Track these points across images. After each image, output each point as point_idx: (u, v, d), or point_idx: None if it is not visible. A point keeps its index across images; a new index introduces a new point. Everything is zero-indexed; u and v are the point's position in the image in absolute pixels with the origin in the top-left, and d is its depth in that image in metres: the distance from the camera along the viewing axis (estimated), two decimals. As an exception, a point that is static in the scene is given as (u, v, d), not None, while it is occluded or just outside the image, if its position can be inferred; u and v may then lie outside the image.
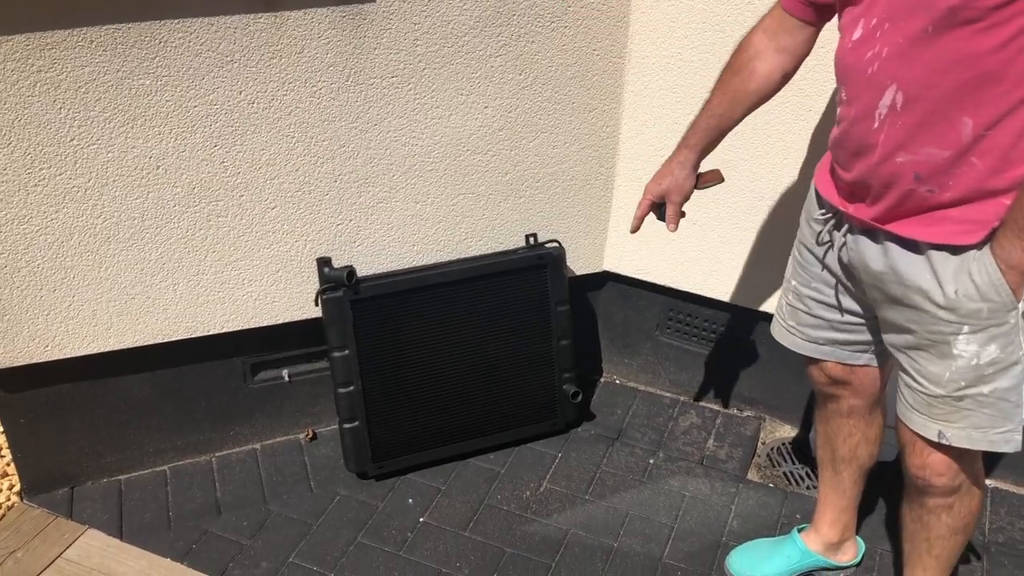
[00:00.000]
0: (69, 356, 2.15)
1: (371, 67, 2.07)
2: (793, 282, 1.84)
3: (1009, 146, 1.36)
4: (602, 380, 2.78)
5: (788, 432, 2.58)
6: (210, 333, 2.25)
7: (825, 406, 1.96)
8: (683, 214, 1.85)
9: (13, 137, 1.87)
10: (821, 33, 1.66)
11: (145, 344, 2.21)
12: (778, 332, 1.92)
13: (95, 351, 2.17)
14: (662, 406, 2.67)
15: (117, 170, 1.98)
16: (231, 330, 2.27)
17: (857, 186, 1.54)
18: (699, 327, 2.59)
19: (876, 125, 1.45)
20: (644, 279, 2.55)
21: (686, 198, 1.83)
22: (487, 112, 2.23)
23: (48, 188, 1.95)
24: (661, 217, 1.86)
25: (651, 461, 2.46)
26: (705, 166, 1.82)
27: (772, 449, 2.52)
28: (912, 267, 1.50)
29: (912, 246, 1.49)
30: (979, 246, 1.42)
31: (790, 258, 1.85)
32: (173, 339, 2.23)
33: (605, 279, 2.64)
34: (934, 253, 1.47)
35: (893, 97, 1.41)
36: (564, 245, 2.47)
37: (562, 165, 2.38)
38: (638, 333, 2.69)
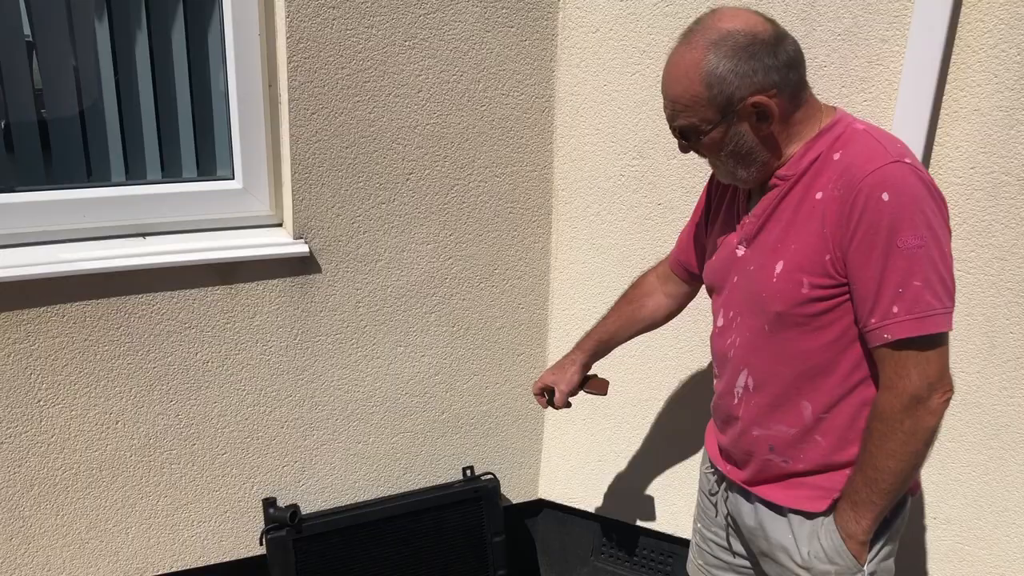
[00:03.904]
0: (20, 601, 2.25)
1: (317, 327, 2.31)
2: (698, 524, 2.00)
3: (845, 427, 1.58)
4: (543, 605, 2.87)
5: (721, 656, 2.65)
6: (160, 573, 2.36)
7: (734, 642, 2.07)
8: (568, 404, 2.04)
9: (-15, 401, 2.06)
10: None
11: (95, 586, 2.31)
12: (691, 569, 2.06)
13: (46, 595, 2.27)
14: (599, 631, 2.75)
15: (79, 426, 2.16)
16: (180, 569, 2.38)
17: (729, 451, 1.74)
18: (632, 553, 2.72)
19: (736, 401, 1.68)
20: (576, 507, 2.71)
21: (572, 391, 2.02)
22: (424, 360, 2.46)
23: (13, 444, 2.11)
24: (550, 401, 2.05)
25: None
26: (603, 373, 2.05)
27: (705, 675, 2.58)
28: (776, 527, 1.68)
29: (776, 508, 1.68)
30: (826, 513, 1.61)
31: (696, 502, 2.03)
32: (123, 580, 2.33)
33: (541, 506, 2.80)
34: (793, 516, 1.65)
35: (746, 380, 1.65)
36: (500, 475, 2.64)
37: (495, 403, 2.59)
38: (575, 559, 2.81)
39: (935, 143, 2.00)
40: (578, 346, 2.06)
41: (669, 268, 1.98)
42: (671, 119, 1.55)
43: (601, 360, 2.04)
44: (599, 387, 2.07)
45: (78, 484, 2.21)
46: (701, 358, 2.35)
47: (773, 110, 1.48)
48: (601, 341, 2.03)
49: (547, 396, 2.06)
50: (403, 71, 2.20)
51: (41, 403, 2.11)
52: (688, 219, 1.92)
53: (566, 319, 2.54)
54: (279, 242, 2.21)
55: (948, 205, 1.47)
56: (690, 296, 1.99)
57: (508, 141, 2.36)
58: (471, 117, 2.30)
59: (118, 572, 2.31)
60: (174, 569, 2.37)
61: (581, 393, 2.05)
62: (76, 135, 2.15)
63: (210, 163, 2.26)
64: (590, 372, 2.07)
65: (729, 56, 1.44)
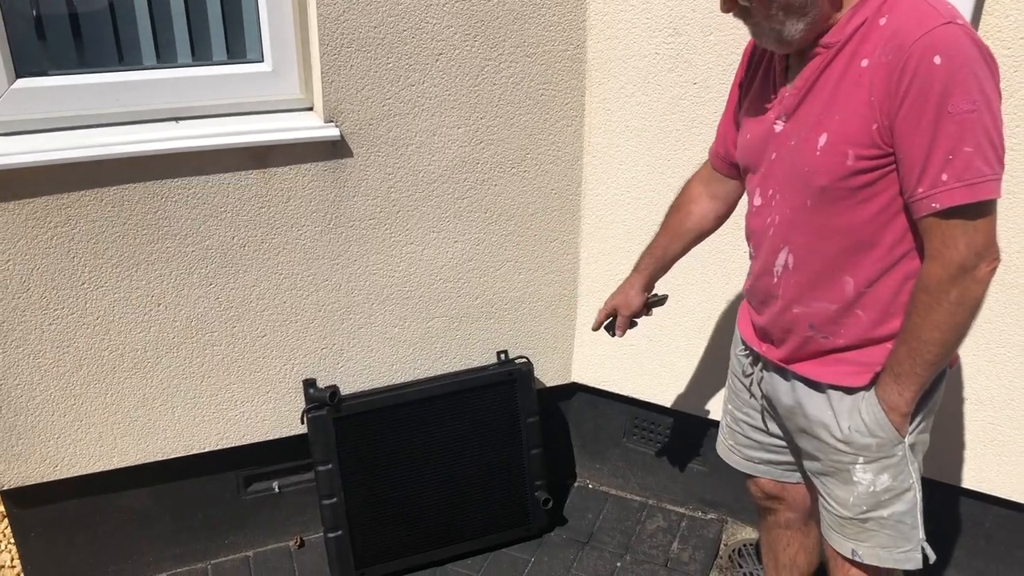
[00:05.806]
0: (76, 475, 2.35)
1: (351, 211, 2.32)
2: (729, 406, 2.03)
3: (888, 301, 1.57)
4: (576, 484, 2.95)
5: (749, 534, 2.73)
6: (206, 450, 2.46)
7: (765, 518, 2.13)
8: (634, 324, 2.10)
9: (31, 284, 2.11)
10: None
11: (146, 462, 2.41)
12: (721, 450, 2.10)
13: (100, 469, 2.37)
14: (631, 510, 2.83)
15: (122, 308, 2.22)
16: (225, 447, 2.48)
17: (766, 330, 1.75)
18: (663, 434, 2.77)
19: (775, 280, 1.67)
20: (609, 390, 2.75)
21: (635, 314, 2.08)
22: (457, 246, 2.47)
23: (61, 326, 2.18)
24: (611, 328, 2.11)
25: (618, 564, 2.61)
26: (659, 289, 2.08)
27: (733, 551, 2.67)
28: (815, 403, 1.69)
29: (815, 385, 1.69)
30: (867, 387, 1.62)
31: (726, 384, 2.05)
32: (172, 456, 2.43)
33: (575, 389, 2.84)
34: (832, 392, 1.66)
35: (786, 258, 1.63)
36: (533, 360, 2.68)
37: (528, 288, 2.61)
38: (607, 439, 2.87)
39: (983, 11, 1.91)
40: (635, 268, 2.05)
41: (711, 166, 1.93)
42: None
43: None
44: (660, 303, 2.09)
45: (124, 364, 2.28)
46: (733, 241, 2.33)
47: None
48: (655, 258, 2.01)
49: (611, 322, 2.10)
50: (431, -54, 2.14)
51: (85, 286, 2.16)
52: (724, 110, 1.87)
53: (599, 204, 2.52)
54: (310, 125, 2.20)
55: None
56: (739, 191, 1.91)
57: (540, 19, 2.30)
58: (502, -6, 2.24)
59: (166, 449, 2.41)
60: (219, 447, 2.47)
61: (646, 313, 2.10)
62: (106, 19, 2.13)
63: (240, 46, 2.24)
64: (652, 293, 2.07)
65: None
